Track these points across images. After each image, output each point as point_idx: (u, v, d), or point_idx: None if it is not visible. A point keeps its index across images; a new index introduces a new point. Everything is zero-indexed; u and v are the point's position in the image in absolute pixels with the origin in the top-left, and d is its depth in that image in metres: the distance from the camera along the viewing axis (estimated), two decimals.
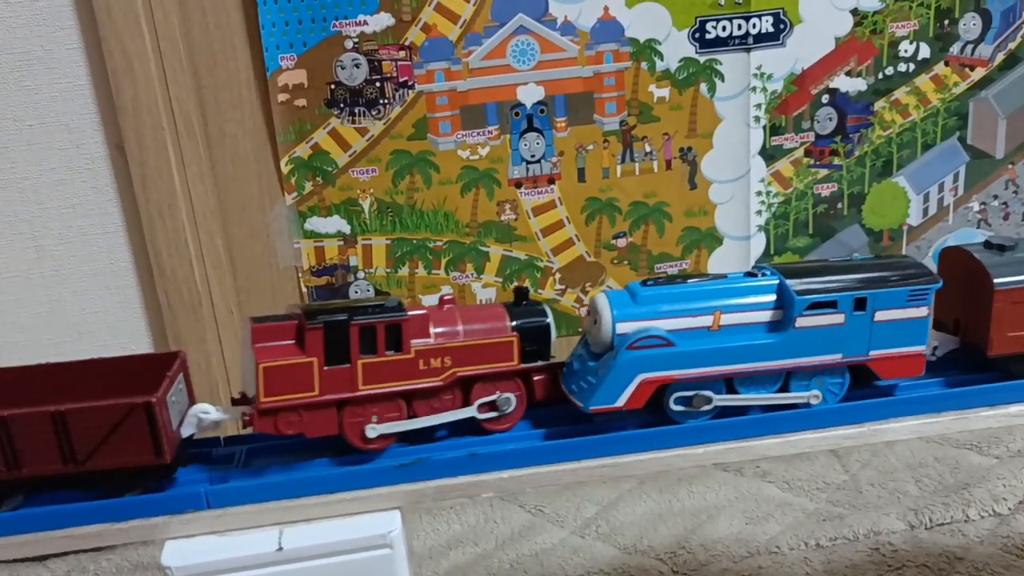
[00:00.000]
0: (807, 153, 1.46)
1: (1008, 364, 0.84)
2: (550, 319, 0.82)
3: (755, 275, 0.81)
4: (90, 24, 1.23)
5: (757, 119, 1.43)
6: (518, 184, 1.41)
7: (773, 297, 0.80)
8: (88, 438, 0.73)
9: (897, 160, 1.49)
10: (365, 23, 1.30)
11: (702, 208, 1.46)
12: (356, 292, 1.42)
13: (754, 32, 1.38)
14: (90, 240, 1.33)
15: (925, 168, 1.49)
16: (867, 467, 1.39)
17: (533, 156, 1.40)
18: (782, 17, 1.38)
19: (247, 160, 1.34)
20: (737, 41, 1.38)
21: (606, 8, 1.35)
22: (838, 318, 0.79)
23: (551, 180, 1.41)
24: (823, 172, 1.47)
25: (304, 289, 1.41)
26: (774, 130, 1.44)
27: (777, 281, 0.80)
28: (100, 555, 1.32)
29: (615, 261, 1.47)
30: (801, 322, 0.78)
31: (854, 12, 1.40)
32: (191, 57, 1.28)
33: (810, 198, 1.48)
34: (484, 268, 1.44)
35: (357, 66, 1.32)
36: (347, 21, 1.30)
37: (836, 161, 1.47)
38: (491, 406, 0.79)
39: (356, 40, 1.31)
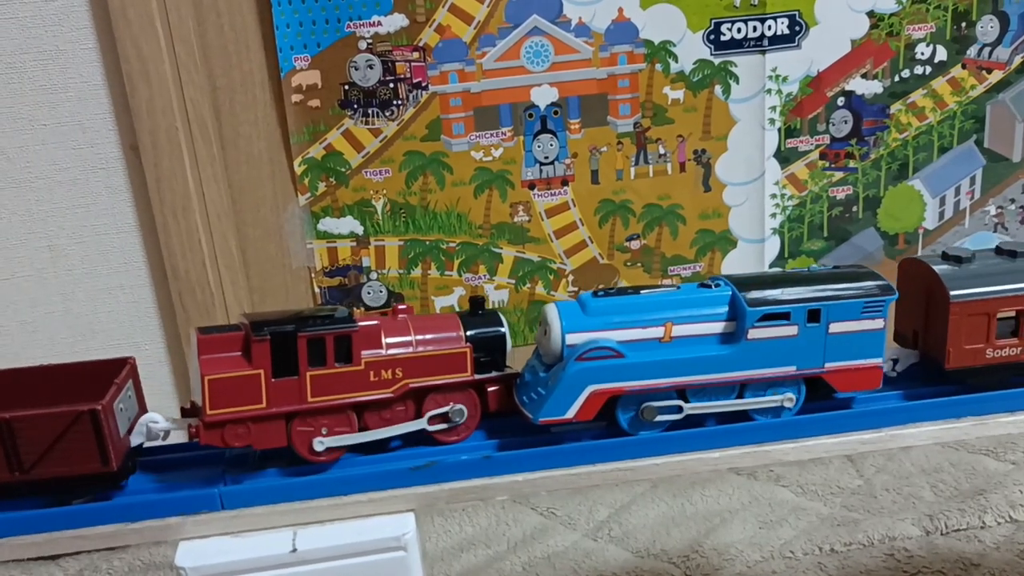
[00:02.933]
0: (822, 156, 1.45)
1: (966, 377, 0.83)
2: (505, 329, 0.81)
3: (708, 286, 0.80)
4: (105, 25, 1.23)
5: (772, 121, 1.42)
6: (531, 185, 1.40)
7: (726, 308, 0.79)
8: (34, 446, 0.72)
9: (913, 163, 1.48)
10: (379, 24, 1.30)
11: (716, 210, 1.45)
12: (369, 293, 1.42)
13: (769, 34, 1.37)
14: (104, 240, 1.34)
15: (941, 171, 1.49)
16: (882, 472, 1.38)
17: (547, 158, 1.39)
18: (798, 19, 1.38)
19: (261, 161, 1.34)
20: (752, 43, 1.38)
21: (620, 10, 1.34)
22: (791, 330, 0.78)
23: (564, 182, 1.41)
24: (838, 175, 1.46)
25: (317, 290, 1.41)
26: (789, 132, 1.43)
27: (730, 292, 0.79)
28: (113, 554, 1.32)
29: (628, 263, 1.46)
30: (753, 334, 0.77)
31: (870, 14, 1.39)
32: (205, 58, 1.28)
33: (825, 201, 1.47)
34: (497, 270, 1.43)
35: (371, 67, 1.32)
36: (361, 22, 1.30)
37: (851, 164, 1.46)
38: (443, 417, 0.78)
39: (370, 41, 1.31)
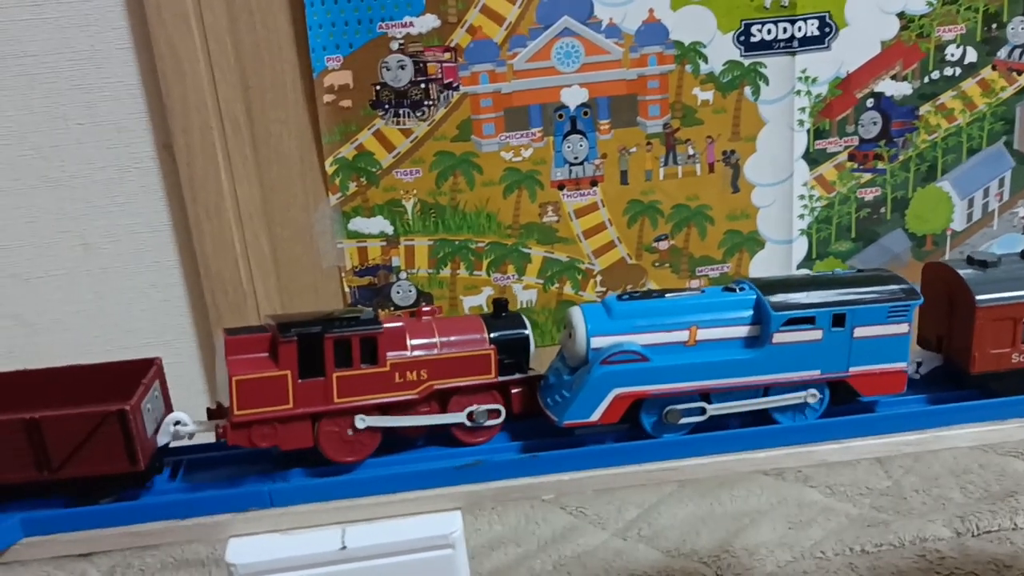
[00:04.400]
0: (851, 157, 1.45)
1: (989, 382, 0.83)
2: (528, 331, 0.81)
3: (733, 290, 0.80)
4: (140, 24, 1.24)
5: (801, 123, 1.42)
6: (560, 186, 1.41)
7: (750, 312, 0.78)
8: (62, 446, 0.72)
9: (942, 165, 1.47)
10: (411, 24, 1.30)
11: (744, 211, 1.45)
12: (398, 292, 1.42)
13: (799, 35, 1.38)
14: (137, 239, 1.34)
15: (970, 173, 1.48)
16: (910, 473, 1.38)
17: (576, 158, 1.40)
18: (827, 20, 1.38)
19: (292, 160, 1.35)
20: (782, 44, 1.38)
21: (651, 11, 1.34)
22: (816, 334, 0.78)
23: (593, 182, 1.41)
24: (867, 176, 1.46)
25: (347, 289, 1.41)
26: (818, 134, 1.43)
27: (755, 296, 0.79)
28: (145, 551, 1.33)
29: (656, 264, 1.46)
30: (778, 338, 0.77)
31: (900, 15, 1.39)
32: (239, 57, 1.29)
33: (853, 202, 1.47)
34: (525, 270, 1.44)
35: (402, 67, 1.32)
36: (393, 22, 1.30)
37: (880, 165, 1.46)
38: (468, 418, 0.79)
39: (402, 41, 1.31)
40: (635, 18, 1.35)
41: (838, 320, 0.78)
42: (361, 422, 0.76)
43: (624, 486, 0.79)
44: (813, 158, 1.44)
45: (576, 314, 0.79)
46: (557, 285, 1.45)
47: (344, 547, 0.73)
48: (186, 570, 1.30)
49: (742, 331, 0.79)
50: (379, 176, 1.37)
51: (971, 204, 1.50)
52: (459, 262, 1.42)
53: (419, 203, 1.38)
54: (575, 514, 1.35)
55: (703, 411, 0.78)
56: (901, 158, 1.46)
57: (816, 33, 1.38)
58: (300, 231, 1.38)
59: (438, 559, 0.74)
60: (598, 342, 0.77)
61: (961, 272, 0.82)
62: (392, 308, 1.43)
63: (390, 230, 1.39)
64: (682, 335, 0.78)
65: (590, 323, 0.78)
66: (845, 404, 0.82)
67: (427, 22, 1.31)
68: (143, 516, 0.75)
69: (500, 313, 0.83)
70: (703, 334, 0.78)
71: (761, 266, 1.48)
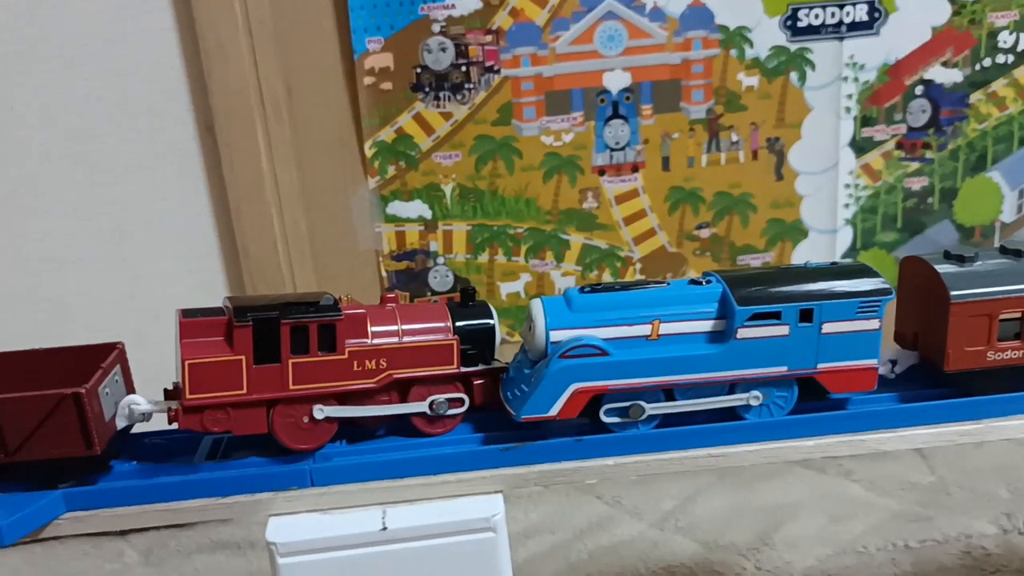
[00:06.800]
0: (898, 145, 1.42)
1: (965, 380, 0.80)
2: (494, 321, 0.80)
3: (700, 283, 0.78)
4: (183, 5, 1.24)
5: (848, 110, 1.39)
6: (601, 171, 1.39)
7: (715, 306, 0.76)
8: (18, 429, 0.71)
9: (992, 154, 1.44)
10: (453, 7, 1.29)
11: (788, 200, 1.43)
12: (435, 278, 1.41)
13: (848, 20, 1.35)
14: (174, 222, 1.34)
15: (1021, 163, 1.45)
16: (954, 469, 1.36)
17: (617, 143, 1.38)
18: (877, 5, 1.35)
19: (331, 143, 1.34)
20: (830, 29, 1.35)
21: None
22: (782, 329, 0.75)
23: (635, 168, 1.39)
24: (914, 165, 1.43)
25: (384, 273, 1.41)
26: (865, 121, 1.40)
27: (721, 289, 0.76)
28: (180, 532, 1.34)
29: (697, 252, 1.44)
30: (743, 333, 0.75)
31: (952, 1, 1.36)
32: (279, 39, 1.28)
33: (900, 192, 1.44)
34: (564, 256, 1.42)
35: (443, 50, 1.31)
36: (435, 4, 1.29)
37: (928, 154, 1.43)
38: (429, 408, 0.77)
39: (443, 24, 1.30)
40: (680, 1, 1.33)
41: (805, 315, 0.75)
42: (319, 412, 0.75)
43: (669, 472, 0.77)
44: (860, 146, 1.42)
45: (536, 306, 0.77)
46: (596, 272, 1.44)
47: (385, 528, 0.72)
48: (222, 551, 1.30)
49: (706, 325, 0.76)
50: (418, 160, 1.36)
51: (1021, 195, 1.46)
52: (497, 248, 1.41)
53: (458, 187, 1.37)
54: (611, 504, 1.34)
55: (642, 410, 0.76)
56: (950, 147, 1.43)
57: (865, 18, 1.35)
58: (338, 214, 1.37)
59: (479, 542, 0.73)
60: (557, 335, 0.75)
61: (937, 267, 0.80)
62: (430, 293, 1.42)
63: (428, 214, 1.38)
64: (644, 329, 0.76)
65: (550, 316, 0.76)
66: (814, 401, 0.79)
67: (469, 4, 1.30)
68: (184, 493, 0.75)
69: (467, 302, 0.81)
70: (666, 328, 0.76)
71: (804, 256, 1.45)
